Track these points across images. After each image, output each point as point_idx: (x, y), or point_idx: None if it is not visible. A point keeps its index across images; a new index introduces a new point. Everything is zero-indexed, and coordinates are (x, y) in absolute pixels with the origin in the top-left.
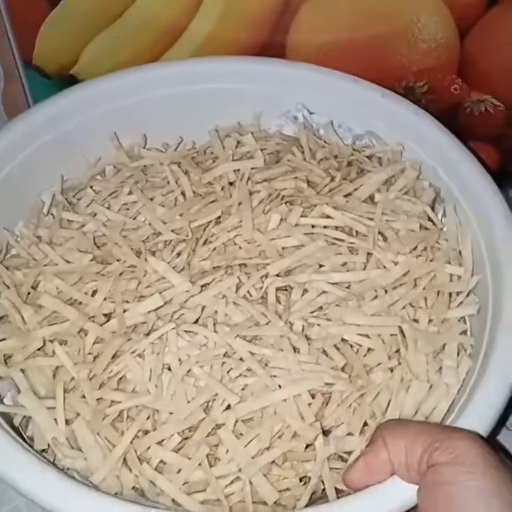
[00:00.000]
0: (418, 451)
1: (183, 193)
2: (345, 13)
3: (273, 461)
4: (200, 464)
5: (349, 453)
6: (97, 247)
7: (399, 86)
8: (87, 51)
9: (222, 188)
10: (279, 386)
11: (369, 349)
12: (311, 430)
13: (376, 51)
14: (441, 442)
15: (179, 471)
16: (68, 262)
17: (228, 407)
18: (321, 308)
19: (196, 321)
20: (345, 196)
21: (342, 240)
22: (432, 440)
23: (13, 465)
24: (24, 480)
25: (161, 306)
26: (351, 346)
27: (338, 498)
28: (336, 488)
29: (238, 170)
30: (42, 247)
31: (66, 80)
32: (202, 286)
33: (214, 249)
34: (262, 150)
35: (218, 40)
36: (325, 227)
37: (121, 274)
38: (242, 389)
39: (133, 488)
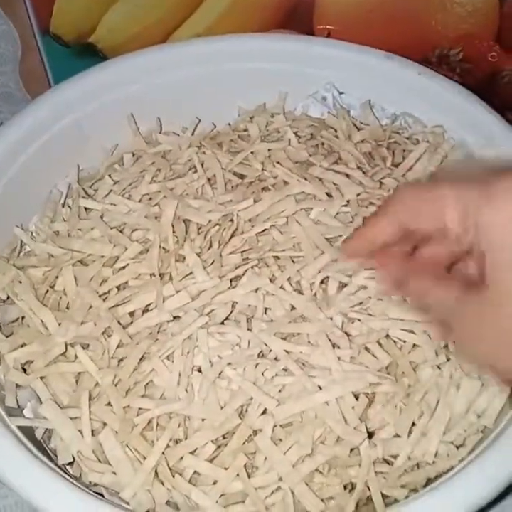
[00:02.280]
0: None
1: (209, 180)
2: None
3: (315, 469)
4: (238, 475)
5: (395, 456)
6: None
7: (432, 54)
8: (105, 19)
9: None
10: (319, 387)
11: (414, 345)
12: (356, 434)
13: (409, 15)
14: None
15: (215, 482)
16: (89, 255)
17: (265, 411)
18: (361, 303)
19: (227, 318)
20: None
21: None
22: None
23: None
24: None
25: (189, 303)
26: (395, 342)
27: (384, 504)
28: (382, 494)
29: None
30: (60, 241)
31: (85, 49)
32: (232, 280)
33: (246, 240)
34: (294, 133)
35: (245, 2)
36: None
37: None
38: (280, 391)
39: (167, 502)
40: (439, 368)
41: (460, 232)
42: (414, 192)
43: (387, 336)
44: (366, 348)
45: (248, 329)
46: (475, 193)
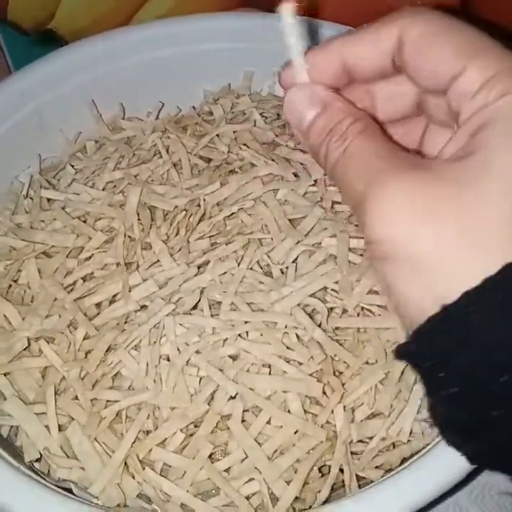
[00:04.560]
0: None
1: (174, 165)
2: None
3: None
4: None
5: (370, 438)
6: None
7: None
8: (64, 4)
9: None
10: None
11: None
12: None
13: None
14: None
15: (184, 473)
16: (53, 246)
17: (235, 397)
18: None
19: (195, 306)
20: None
21: None
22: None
23: None
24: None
25: (156, 292)
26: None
27: (359, 486)
28: (357, 476)
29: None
30: (22, 234)
31: (45, 36)
32: (199, 266)
33: (214, 224)
34: (260, 114)
35: None
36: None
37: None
38: (247, 371)
39: (138, 495)
40: None
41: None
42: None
43: (362, 308)
44: (337, 328)
45: (215, 315)
46: None
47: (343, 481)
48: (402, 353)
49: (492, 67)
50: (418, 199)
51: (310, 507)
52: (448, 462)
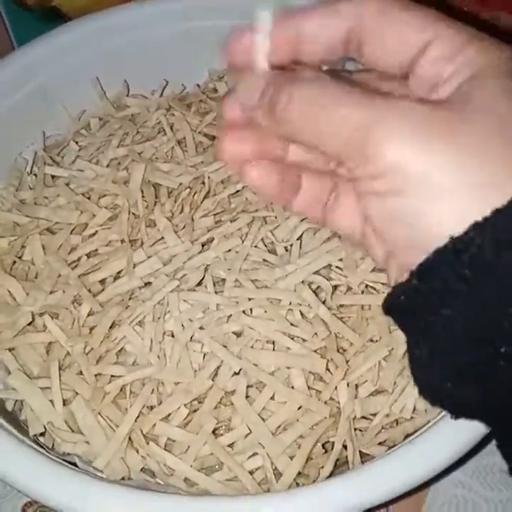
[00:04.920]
0: None
1: (179, 142)
2: None
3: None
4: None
5: (374, 414)
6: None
7: None
8: None
9: None
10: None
11: None
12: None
13: None
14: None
15: (188, 448)
16: (57, 223)
17: (239, 372)
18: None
19: (200, 282)
20: None
21: None
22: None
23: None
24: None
25: (160, 268)
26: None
27: (362, 462)
28: (360, 452)
29: None
30: (26, 210)
31: (49, 13)
32: (204, 244)
33: (218, 202)
34: None
35: None
36: None
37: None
38: (251, 347)
39: (142, 469)
40: None
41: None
42: None
43: (367, 286)
44: (341, 305)
45: (219, 292)
46: None
47: (346, 457)
48: (398, 294)
49: (460, 34)
50: (429, 127)
51: (313, 482)
52: (451, 437)
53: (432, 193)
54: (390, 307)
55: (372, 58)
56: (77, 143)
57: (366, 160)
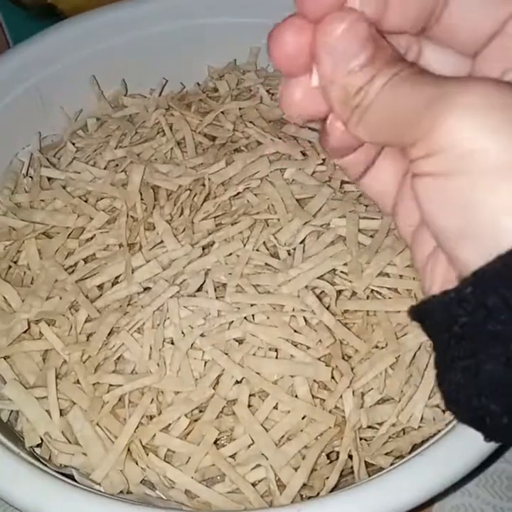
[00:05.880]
0: None
1: (178, 143)
2: None
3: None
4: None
5: (380, 423)
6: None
7: None
8: None
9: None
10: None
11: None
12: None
13: None
14: None
15: (189, 459)
16: (53, 226)
17: (241, 381)
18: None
19: (200, 288)
20: None
21: None
22: None
23: None
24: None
25: (160, 273)
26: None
27: (369, 473)
28: (366, 463)
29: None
30: (22, 214)
31: (44, 11)
32: (204, 247)
33: (219, 204)
34: (266, 90)
35: None
36: None
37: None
38: (253, 354)
39: (141, 481)
40: None
41: None
42: None
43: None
44: (346, 311)
45: (220, 297)
46: None
47: (351, 467)
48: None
49: None
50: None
51: (318, 494)
52: (461, 450)
53: (498, 173)
54: (424, 316)
55: (450, 24)
56: (73, 144)
57: (430, 134)
